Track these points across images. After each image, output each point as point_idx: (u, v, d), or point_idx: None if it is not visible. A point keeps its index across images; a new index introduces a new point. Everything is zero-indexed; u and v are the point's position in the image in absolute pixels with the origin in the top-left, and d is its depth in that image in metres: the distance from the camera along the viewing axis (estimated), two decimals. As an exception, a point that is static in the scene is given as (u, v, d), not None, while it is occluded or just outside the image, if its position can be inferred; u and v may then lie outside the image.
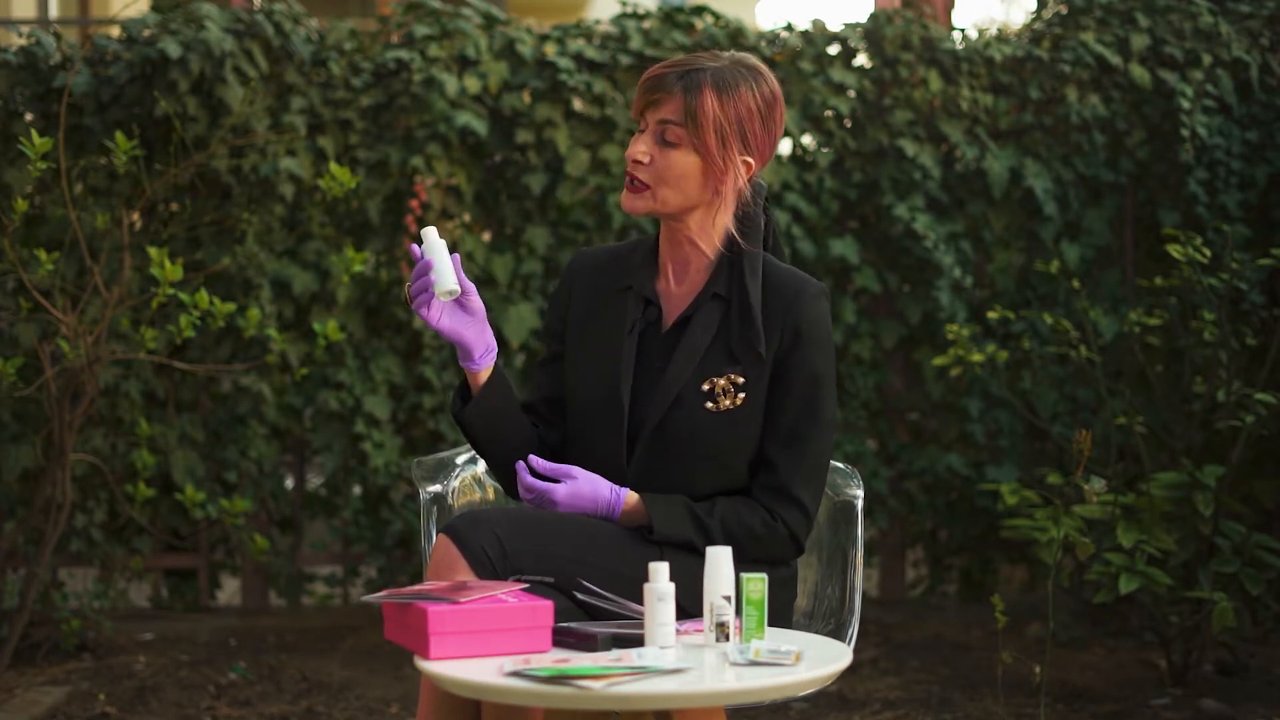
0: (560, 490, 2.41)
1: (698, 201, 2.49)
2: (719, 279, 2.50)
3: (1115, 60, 4.84)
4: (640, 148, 2.46)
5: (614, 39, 4.84)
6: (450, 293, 2.41)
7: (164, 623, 4.75)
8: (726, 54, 2.49)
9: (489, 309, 4.77)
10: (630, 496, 2.44)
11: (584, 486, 2.42)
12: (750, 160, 2.48)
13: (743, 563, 2.39)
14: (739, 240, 2.51)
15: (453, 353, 4.77)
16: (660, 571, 2.16)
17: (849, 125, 4.91)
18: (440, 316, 2.44)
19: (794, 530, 2.46)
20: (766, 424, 2.47)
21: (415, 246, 2.44)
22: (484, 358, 2.50)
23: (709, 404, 2.45)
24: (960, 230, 4.86)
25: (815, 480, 2.48)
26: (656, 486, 2.47)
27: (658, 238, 2.58)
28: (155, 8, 4.77)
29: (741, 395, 2.44)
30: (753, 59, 2.50)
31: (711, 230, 2.51)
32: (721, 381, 2.45)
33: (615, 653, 2.13)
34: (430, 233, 2.43)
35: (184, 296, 3.97)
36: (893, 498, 4.93)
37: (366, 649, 4.50)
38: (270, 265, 4.69)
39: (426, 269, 2.41)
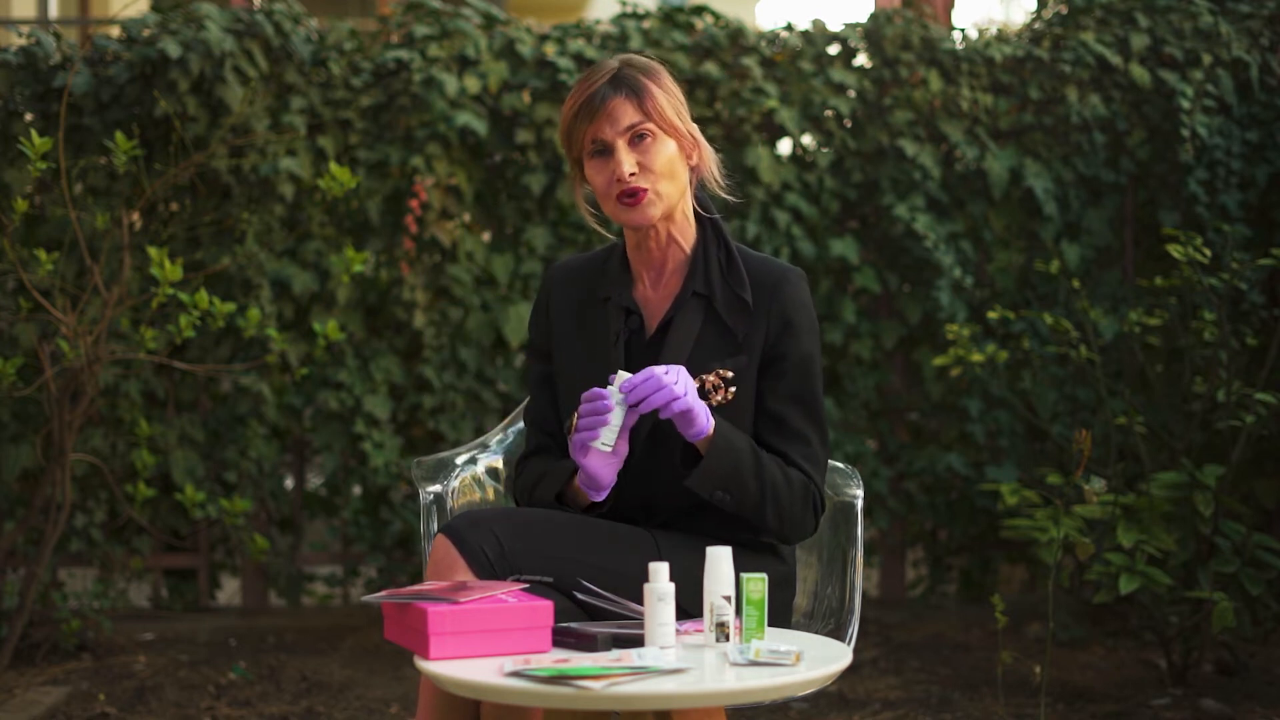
0: (683, 405, 2.32)
1: (684, 186, 2.50)
2: (696, 276, 2.50)
3: (1115, 60, 4.84)
4: (625, 162, 2.43)
5: (614, 39, 4.84)
6: (606, 447, 2.35)
7: (164, 623, 4.75)
8: (614, 58, 2.51)
9: (488, 309, 4.77)
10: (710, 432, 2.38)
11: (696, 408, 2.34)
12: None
13: (744, 556, 2.40)
14: (706, 213, 2.53)
15: (455, 354, 4.77)
16: (660, 571, 2.16)
17: (849, 125, 4.91)
18: (590, 455, 2.39)
19: (818, 501, 2.46)
20: (762, 414, 2.47)
21: (605, 391, 2.35)
22: (606, 493, 2.45)
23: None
24: (960, 230, 4.86)
25: (821, 464, 2.49)
26: (652, 488, 2.47)
27: (625, 246, 2.57)
28: (155, 8, 4.77)
29: (733, 390, 2.45)
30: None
31: (688, 220, 2.53)
32: (711, 378, 2.45)
33: (615, 653, 2.12)
34: (620, 382, 2.34)
35: (184, 296, 3.97)
36: (893, 498, 4.93)
37: (366, 649, 4.50)
38: (270, 265, 4.69)
39: (603, 419, 2.34)
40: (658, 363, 2.47)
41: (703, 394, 2.44)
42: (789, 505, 2.42)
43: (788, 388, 2.47)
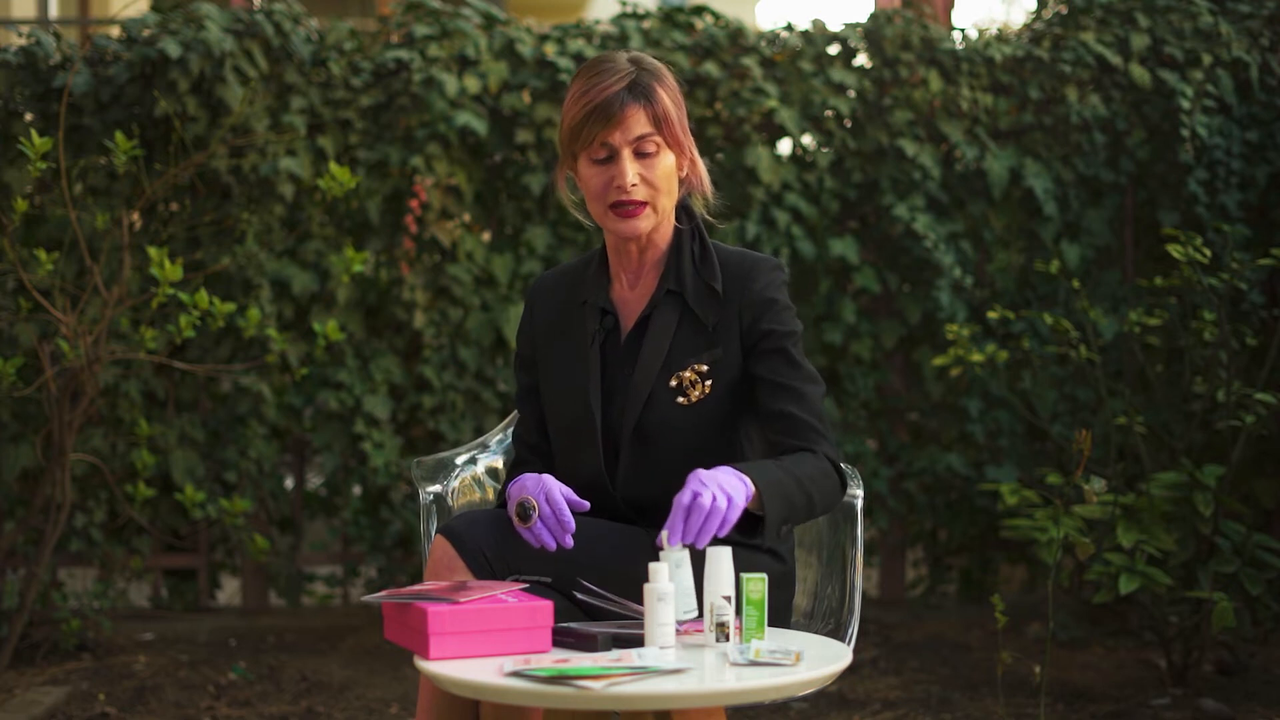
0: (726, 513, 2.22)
1: (675, 198, 2.51)
2: (670, 274, 2.51)
3: (1115, 60, 4.84)
4: (628, 174, 2.42)
5: (614, 39, 4.84)
6: (691, 614, 2.23)
7: (164, 623, 4.75)
8: (621, 54, 2.49)
9: (488, 309, 4.77)
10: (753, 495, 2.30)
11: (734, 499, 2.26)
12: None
13: (744, 556, 2.39)
14: (687, 214, 2.53)
15: (455, 354, 4.77)
16: (660, 571, 2.16)
17: (849, 125, 4.90)
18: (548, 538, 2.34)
19: (834, 460, 2.45)
20: (760, 390, 2.46)
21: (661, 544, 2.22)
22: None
23: (680, 399, 2.45)
24: (960, 230, 4.86)
25: (826, 422, 2.48)
26: (642, 489, 2.47)
27: (604, 249, 2.58)
28: (155, 8, 4.78)
29: (708, 383, 2.45)
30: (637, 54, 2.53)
31: (669, 220, 2.53)
32: (687, 374, 2.45)
33: (615, 653, 2.13)
34: (668, 539, 2.20)
35: (184, 296, 3.97)
36: (893, 498, 4.92)
37: (366, 649, 4.50)
38: (270, 265, 4.69)
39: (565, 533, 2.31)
40: (637, 362, 2.47)
41: (679, 391, 2.45)
42: (827, 493, 2.40)
43: (781, 356, 2.46)
